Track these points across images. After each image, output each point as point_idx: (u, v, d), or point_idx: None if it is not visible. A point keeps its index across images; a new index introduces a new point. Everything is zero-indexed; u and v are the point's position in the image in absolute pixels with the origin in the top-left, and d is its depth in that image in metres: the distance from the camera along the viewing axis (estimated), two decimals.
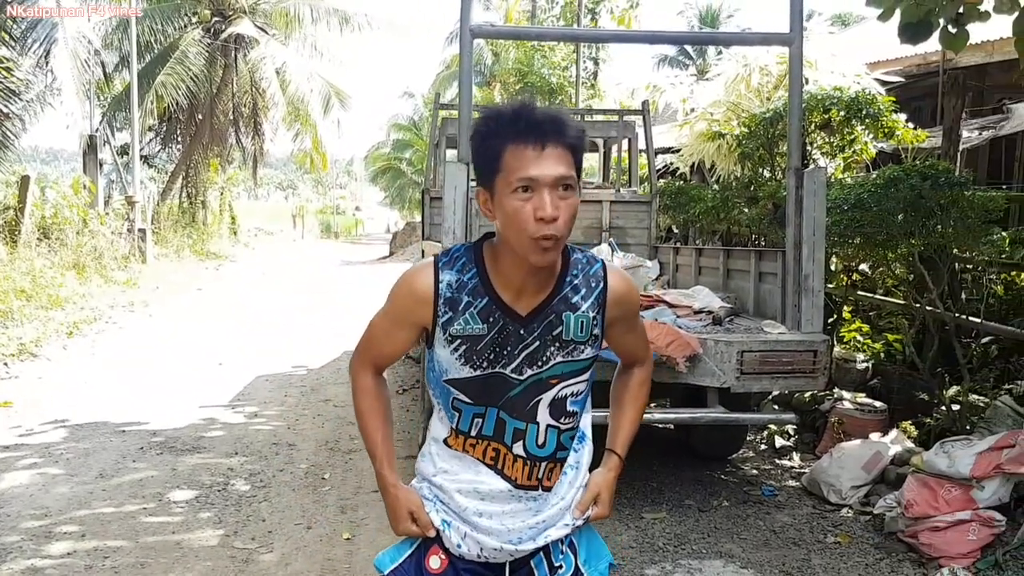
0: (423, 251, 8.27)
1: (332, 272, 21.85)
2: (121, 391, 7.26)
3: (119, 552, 3.95)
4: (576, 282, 1.72)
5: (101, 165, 17.81)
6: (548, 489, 1.77)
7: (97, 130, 18.80)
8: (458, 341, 1.67)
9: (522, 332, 1.67)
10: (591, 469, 1.89)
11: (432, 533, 1.78)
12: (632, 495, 4.86)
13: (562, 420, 1.74)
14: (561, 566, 1.80)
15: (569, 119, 1.62)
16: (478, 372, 1.68)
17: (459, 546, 1.76)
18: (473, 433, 1.73)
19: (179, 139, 23.51)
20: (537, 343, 1.68)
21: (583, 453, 1.84)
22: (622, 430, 1.94)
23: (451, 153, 7.32)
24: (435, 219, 7.32)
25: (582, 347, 1.72)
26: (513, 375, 1.68)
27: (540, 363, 1.69)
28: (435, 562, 1.78)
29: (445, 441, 1.77)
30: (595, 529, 1.92)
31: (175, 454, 5.53)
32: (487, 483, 1.74)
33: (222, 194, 25.67)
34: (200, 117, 22.43)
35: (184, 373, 8.07)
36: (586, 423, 1.84)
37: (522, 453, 1.73)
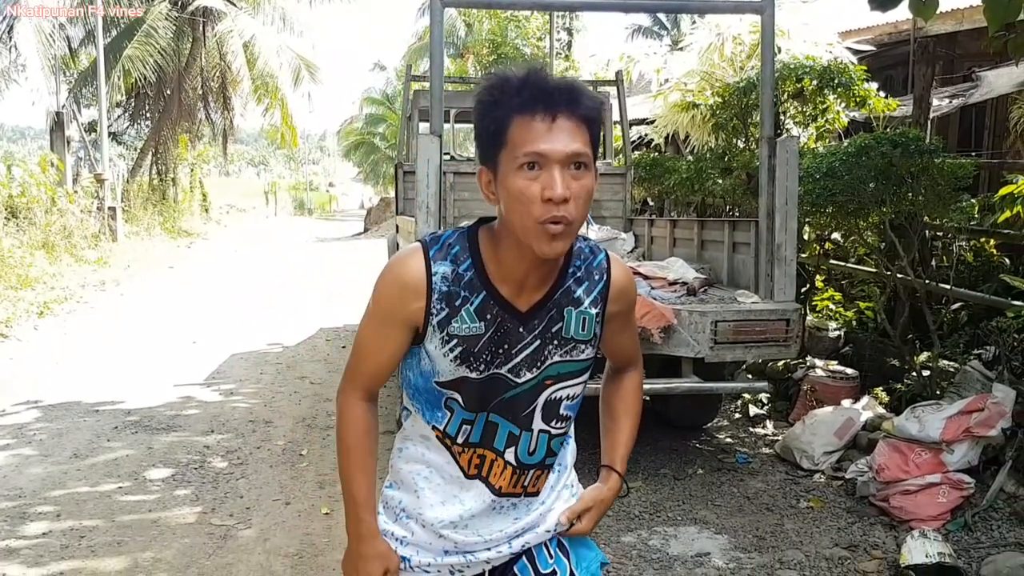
0: (397, 226, 8.21)
1: (306, 249, 21.70)
2: (94, 371, 7.19)
3: (95, 531, 3.94)
4: (579, 274, 1.56)
5: (69, 142, 17.50)
6: (532, 495, 1.64)
7: (64, 107, 18.43)
8: (455, 341, 1.49)
9: (521, 330, 1.51)
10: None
11: None
12: None
13: (554, 424, 1.60)
14: (555, 571, 1.66)
15: (585, 88, 1.42)
16: (473, 374, 1.51)
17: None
18: (460, 440, 1.57)
19: (148, 115, 23.09)
20: (537, 342, 1.52)
21: (567, 453, 1.71)
22: (620, 445, 1.75)
23: (424, 126, 7.25)
24: (409, 194, 7.25)
25: (583, 346, 1.57)
26: (511, 377, 1.53)
27: (539, 364, 1.54)
28: None
29: (427, 436, 1.61)
30: None
31: (150, 433, 5.49)
32: (469, 495, 1.61)
33: (192, 171, 25.33)
34: (168, 92, 22.02)
35: (157, 352, 8.00)
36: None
37: (512, 460, 1.59)
